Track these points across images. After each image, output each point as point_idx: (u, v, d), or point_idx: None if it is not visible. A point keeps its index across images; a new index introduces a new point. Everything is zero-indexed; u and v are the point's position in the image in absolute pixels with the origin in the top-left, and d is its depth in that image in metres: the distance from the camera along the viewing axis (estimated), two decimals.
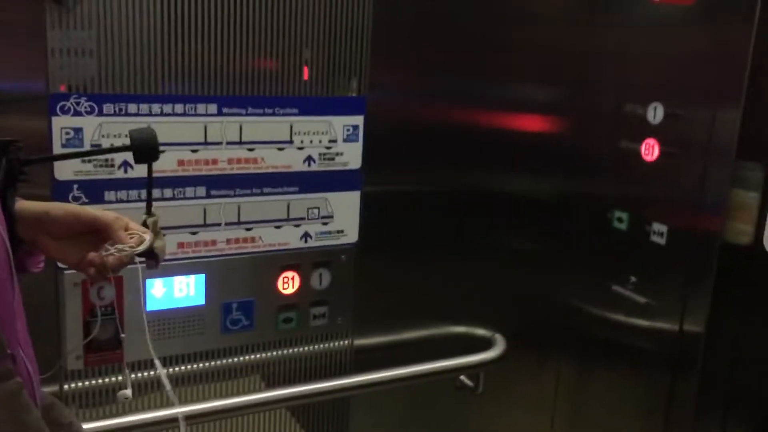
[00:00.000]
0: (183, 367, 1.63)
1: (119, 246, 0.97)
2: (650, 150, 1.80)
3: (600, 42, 1.91)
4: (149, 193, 1.06)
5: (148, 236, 0.99)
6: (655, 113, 1.78)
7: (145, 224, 1.03)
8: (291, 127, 1.64)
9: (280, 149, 1.64)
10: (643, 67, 1.84)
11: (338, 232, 1.74)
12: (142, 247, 0.98)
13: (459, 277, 1.94)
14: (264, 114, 1.60)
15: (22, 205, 1.00)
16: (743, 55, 1.56)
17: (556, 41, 1.90)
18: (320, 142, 1.67)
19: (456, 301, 1.96)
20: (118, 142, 1.46)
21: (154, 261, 1.03)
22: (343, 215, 1.74)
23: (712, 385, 1.72)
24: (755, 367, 1.68)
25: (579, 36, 1.92)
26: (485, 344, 1.94)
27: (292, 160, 1.65)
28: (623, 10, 1.87)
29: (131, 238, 0.99)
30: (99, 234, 1.00)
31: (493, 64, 1.87)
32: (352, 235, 1.76)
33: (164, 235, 1.08)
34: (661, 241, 1.79)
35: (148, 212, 1.04)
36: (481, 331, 1.99)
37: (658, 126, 1.78)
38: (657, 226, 1.80)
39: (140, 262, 1.02)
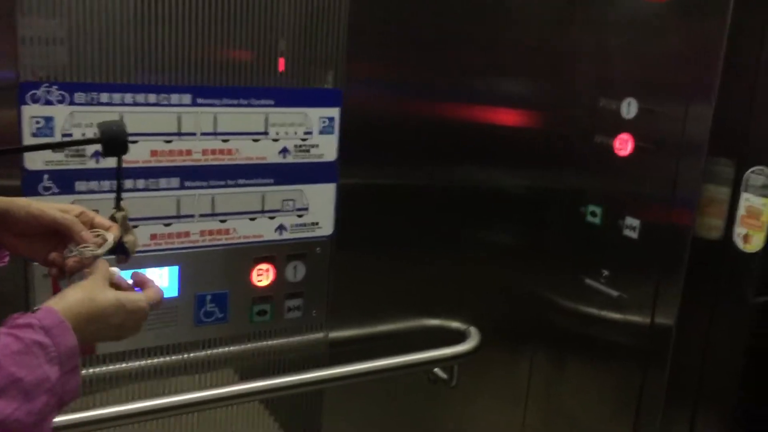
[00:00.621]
0: (156, 360, 1.62)
1: (80, 248, 0.96)
2: (624, 145, 1.81)
3: (575, 37, 1.91)
4: (119, 188, 1.04)
5: (111, 237, 0.98)
6: (629, 108, 1.79)
7: (113, 218, 1.02)
8: (266, 118, 1.62)
9: (255, 140, 1.63)
10: (618, 63, 1.84)
11: (313, 224, 1.74)
12: (102, 250, 0.97)
13: (434, 270, 1.94)
14: (239, 105, 1.59)
15: None
16: (716, 51, 1.58)
17: (532, 36, 1.91)
18: (296, 133, 1.66)
19: (431, 294, 1.97)
20: (89, 132, 1.44)
21: (124, 255, 1.02)
22: (319, 207, 1.73)
23: (681, 378, 1.75)
24: (725, 361, 1.71)
25: (554, 31, 1.92)
26: (460, 337, 1.95)
27: (267, 152, 1.64)
28: (598, 5, 1.88)
29: (96, 236, 0.98)
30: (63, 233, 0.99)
31: (470, 58, 1.86)
32: (327, 228, 1.76)
33: (134, 227, 1.07)
34: (634, 235, 1.81)
35: (117, 207, 1.03)
36: (455, 324, 1.99)
37: (632, 121, 1.79)
38: (630, 221, 1.82)
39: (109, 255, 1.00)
